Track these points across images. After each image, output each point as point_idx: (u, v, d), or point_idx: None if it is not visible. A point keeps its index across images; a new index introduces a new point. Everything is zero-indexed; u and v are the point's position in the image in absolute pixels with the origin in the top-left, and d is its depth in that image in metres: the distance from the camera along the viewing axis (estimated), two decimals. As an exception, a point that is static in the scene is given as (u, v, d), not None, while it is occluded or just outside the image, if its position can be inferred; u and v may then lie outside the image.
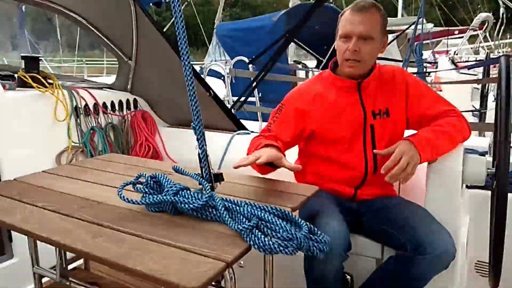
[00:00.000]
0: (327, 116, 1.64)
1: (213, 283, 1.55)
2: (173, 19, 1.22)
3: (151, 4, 5.17)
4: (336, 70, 1.69)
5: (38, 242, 1.59)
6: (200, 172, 1.30)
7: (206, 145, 1.26)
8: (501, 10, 10.76)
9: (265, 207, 1.14)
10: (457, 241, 1.47)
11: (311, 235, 1.08)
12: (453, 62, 6.99)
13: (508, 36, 14.51)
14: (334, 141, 1.65)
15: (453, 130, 1.54)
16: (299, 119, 1.65)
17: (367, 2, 1.55)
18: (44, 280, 1.67)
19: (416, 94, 1.64)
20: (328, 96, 1.65)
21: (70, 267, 1.68)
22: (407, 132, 1.67)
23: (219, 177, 1.30)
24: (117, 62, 2.91)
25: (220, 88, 4.97)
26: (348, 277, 1.63)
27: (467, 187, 1.85)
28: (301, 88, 1.73)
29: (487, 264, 1.50)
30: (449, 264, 1.38)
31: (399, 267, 1.42)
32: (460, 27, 13.50)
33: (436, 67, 6.86)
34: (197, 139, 1.25)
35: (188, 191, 1.22)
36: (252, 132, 2.70)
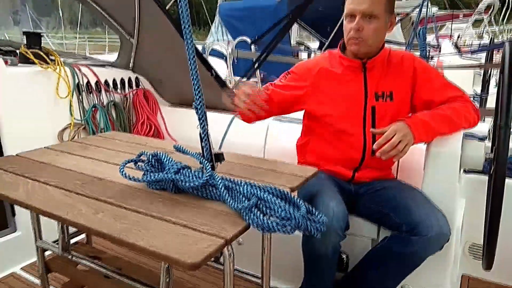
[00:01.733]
0: (328, 92, 1.66)
1: (212, 259, 1.59)
2: None
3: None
4: (344, 50, 1.70)
5: (41, 216, 1.62)
6: (201, 151, 1.32)
7: (207, 125, 1.27)
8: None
9: (264, 187, 1.16)
10: (452, 224, 1.50)
11: (309, 215, 1.10)
12: (456, 47, 6.93)
13: (514, 21, 14.32)
14: (334, 119, 1.65)
15: (455, 114, 1.55)
16: (297, 91, 1.71)
17: None
18: (46, 253, 1.71)
19: (424, 79, 1.63)
20: (333, 73, 1.68)
21: (72, 241, 1.72)
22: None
23: (219, 157, 1.32)
24: (119, 40, 2.89)
25: (222, 68, 4.95)
26: (344, 256, 1.67)
27: (464, 171, 1.87)
28: (310, 62, 1.80)
29: (481, 247, 1.53)
30: (443, 246, 1.41)
31: (394, 247, 1.45)
32: (465, 11, 13.31)
33: (439, 52, 6.80)
34: (199, 119, 1.26)
35: (189, 170, 1.23)
36: (253, 112, 2.71)
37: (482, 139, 1.79)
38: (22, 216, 2.10)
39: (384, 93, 1.63)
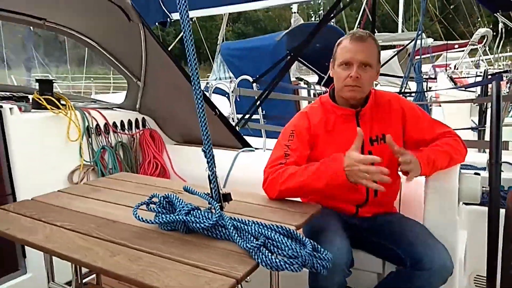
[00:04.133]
0: (327, 143, 1.70)
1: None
2: (180, 37, 1.30)
3: (156, 23, 5.32)
4: (334, 96, 1.76)
5: (53, 258, 1.67)
6: (209, 191, 1.38)
7: (215, 167, 1.34)
8: (500, 25, 10.93)
9: (271, 225, 1.22)
10: (455, 256, 1.53)
11: (314, 253, 1.15)
12: (451, 79, 7.13)
13: (508, 49, 14.65)
14: None
15: (452, 150, 1.63)
16: (310, 143, 1.71)
17: (364, 32, 1.65)
18: (58, 295, 1.74)
19: (412, 118, 1.72)
20: (328, 123, 1.72)
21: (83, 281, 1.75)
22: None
23: (227, 197, 1.38)
24: (123, 79, 3.01)
25: (225, 105, 5.08)
26: (351, 291, 1.70)
27: (464, 203, 1.92)
28: (305, 114, 1.77)
29: (485, 278, 1.57)
30: (447, 279, 1.44)
31: (399, 282, 1.48)
32: (460, 41, 13.66)
33: (436, 83, 7.00)
34: (207, 162, 1.33)
35: (199, 211, 1.29)
36: (256, 149, 2.79)
37: (479, 170, 1.86)
38: (33, 258, 2.13)
39: (378, 137, 1.70)
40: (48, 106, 2.35)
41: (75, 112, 2.48)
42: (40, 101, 2.36)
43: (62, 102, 2.47)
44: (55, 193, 1.72)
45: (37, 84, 2.51)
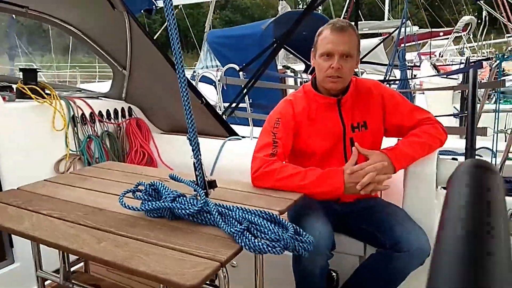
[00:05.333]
0: (310, 130, 1.75)
1: (208, 282, 1.66)
2: (165, 25, 1.32)
3: (141, 11, 5.27)
4: (316, 85, 1.79)
5: (41, 246, 1.68)
6: (194, 179, 1.41)
7: (200, 155, 1.37)
8: (484, 13, 11.06)
9: (255, 211, 1.26)
10: (432, 239, 1.59)
11: (296, 236, 1.20)
12: (434, 67, 7.24)
13: (492, 37, 14.84)
14: (316, 154, 1.75)
15: (430, 138, 1.68)
16: (294, 131, 1.75)
17: (344, 22, 1.68)
18: (46, 283, 1.76)
19: (392, 105, 1.76)
20: (310, 111, 1.75)
21: (71, 270, 1.78)
22: (386, 140, 1.80)
23: (212, 184, 1.41)
24: (109, 68, 3.00)
25: (212, 94, 5.08)
26: (334, 274, 1.75)
27: (442, 188, 1.98)
28: (290, 101, 1.79)
29: None
30: (424, 260, 1.51)
31: (379, 264, 1.54)
32: (445, 29, 13.77)
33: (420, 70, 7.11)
34: (192, 150, 1.36)
35: (184, 198, 1.32)
36: (243, 137, 2.82)
37: (458, 157, 1.91)
38: (20, 247, 2.14)
39: (359, 123, 1.75)
40: (33, 96, 2.34)
41: (60, 101, 2.47)
42: (24, 91, 2.34)
43: (47, 91, 2.46)
44: (42, 183, 1.73)
45: (21, 73, 2.49)
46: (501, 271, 0.33)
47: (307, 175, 1.58)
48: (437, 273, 0.34)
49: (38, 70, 2.58)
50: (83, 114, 2.62)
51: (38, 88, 2.37)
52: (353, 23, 1.91)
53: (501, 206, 0.41)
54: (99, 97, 2.93)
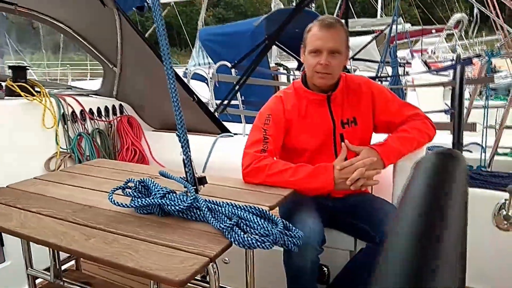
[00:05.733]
0: (300, 127, 1.75)
1: (198, 277, 1.67)
2: (155, 25, 1.31)
3: (133, 8, 5.24)
4: (306, 82, 1.79)
5: (31, 245, 1.68)
6: (185, 175, 1.41)
7: (190, 151, 1.37)
8: (475, 10, 11.13)
9: (244, 206, 1.26)
10: None
11: (286, 231, 1.20)
12: (425, 64, 7.29)
13: (484, 34, 14.94)
14: (307, 150, 1.76)
15: (419, 134, 1.70)
16: (285, 128, 1.75)
17: (332, 18, 1.69)
18: (37, 281, 1.76)
19: (382, 101, 1.78)
20: (300, 108, 1.76)
21: (62, 268, 1.77)
22: (375, 136, 1.81)
23: (202, 180, 1.41)
24: (100, 66, 2.98)
25: (204, 91, 5.07)
26: (325, 268, 1.77)
27: None
28: (280, 98, 1.80)
29: None
30: (413, 254, 1.52)
31: (369, 258, 1.55)
32: (437, 26, 13.83)
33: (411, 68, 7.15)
34: (182, 146, 1.36)
35: (174, 194, 1.32)
36: (235, 134, 2.82)
37: None
38: (11, 245, 2.13)
39: (349, 120, 1.76)
40: (22, 93, 2.32)
41: (50, 99, 2.45)
42: (13, 88, 2.32)
43: (37, 89, 2.44)
44: (31, 180, 1.72)
45: (11, 71, 2.47)
46: (447, 256, 0.34)
47: (298, 171, 1.59)
48: (387, 254, 0.35)
49: (27, 68, 2.56)
50: (73, 111, 2.60)
51: (27, 86, 2.35)
52: (343, 20, 1.92)
53: (457, 193, 0.42)
54: (90, 95, 2.91)
